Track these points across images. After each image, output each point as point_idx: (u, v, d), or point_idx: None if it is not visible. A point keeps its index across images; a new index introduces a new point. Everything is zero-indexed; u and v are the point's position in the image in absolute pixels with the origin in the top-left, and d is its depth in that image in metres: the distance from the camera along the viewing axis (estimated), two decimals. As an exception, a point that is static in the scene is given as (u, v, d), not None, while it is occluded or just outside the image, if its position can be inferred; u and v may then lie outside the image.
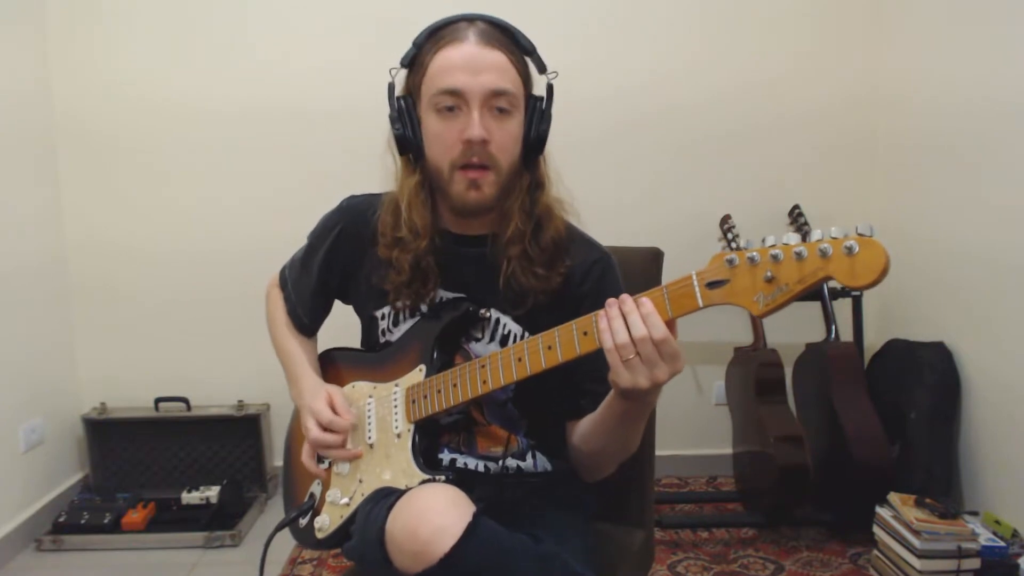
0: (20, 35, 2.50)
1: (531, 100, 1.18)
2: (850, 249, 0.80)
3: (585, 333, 1.01)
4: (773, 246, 0.86)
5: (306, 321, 1.36)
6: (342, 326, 1.42)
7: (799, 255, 0.83)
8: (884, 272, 0.79)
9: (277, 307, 1.40)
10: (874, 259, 0.79)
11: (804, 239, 0.85)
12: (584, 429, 1.20)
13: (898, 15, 2.63)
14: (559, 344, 1.03)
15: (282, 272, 1.41)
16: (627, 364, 0.97)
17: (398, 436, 1.18)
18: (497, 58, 1.12)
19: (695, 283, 0.92)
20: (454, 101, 1.11)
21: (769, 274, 0.85)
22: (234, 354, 2.71)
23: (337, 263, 1.30)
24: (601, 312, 0.99)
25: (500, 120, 1.13)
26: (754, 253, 0.87)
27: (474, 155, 1.12)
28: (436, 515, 0.96)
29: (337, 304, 1.38)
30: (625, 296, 0.98)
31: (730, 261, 0.89)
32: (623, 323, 0.96)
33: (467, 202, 1.15)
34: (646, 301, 0.96)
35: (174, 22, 2.62)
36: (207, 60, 2.63)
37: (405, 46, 1.18)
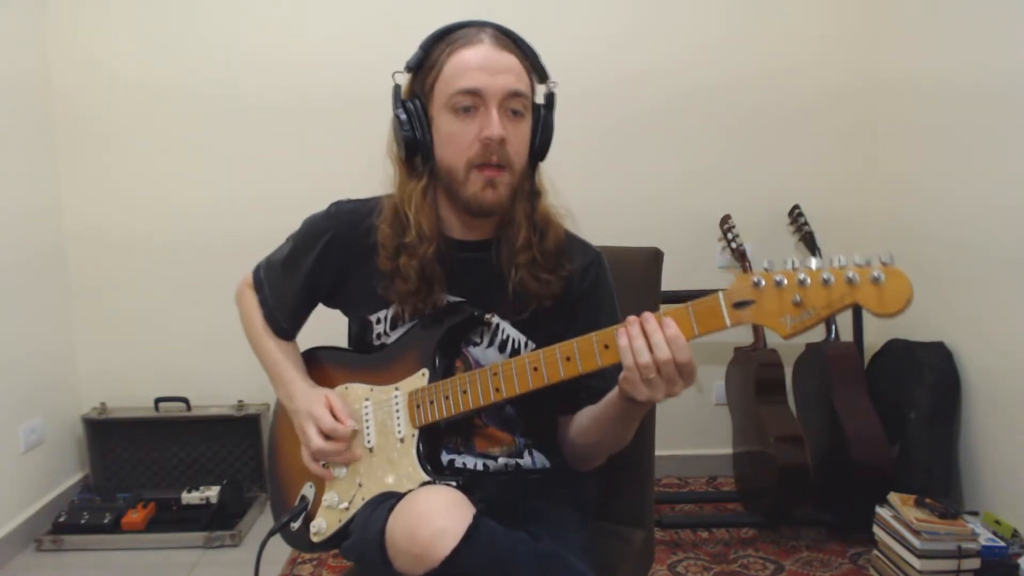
0: (19, 24, 2.48)
1: (536, 107, 1.19)
2: (876, 279, 0.84)
3: (606, 346, 1.02)
4: (796, 270, 0.89)
5: (285, 325, 1.33)
6: (322, 326, 1.40)
7: (826, 282, 0.87)
8: (909, 302, 0.83)
9: (253, 309, 1.36)
10: (900, 289, 0.83)
11: (815, 254, 0.88)
12: (583, 425, 1.21)
13: (899, 10, 2.62)
14: (578, 356, 1.05)
15: (256, 273, 1.38)
16: (647, 381, 0.98)
17: (401, 440, 1.17)
18: (512, 60, 1.14)
19: (722, 303, 0.94)
20: (472, 101, 1.12)
21: (798, 298, 0.89)
22: (234, 354, 2.68)
23: (328, 270, 1.28)
24: (621, 329, 1.00)
25: (515, 122, 1.14)
26: (780, 276, 0.90)
27: (493, 154, 1.12)
28: (436, 517, 0.97)
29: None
30: (648, 315, 0.99)
31: (756, 283, 0.91)
32: (644, 343, 0.97)
33: (483, 202, 1.15)
34: (671, 322, 0.97)
35: (175, 13, 2.60)
36: (210, 52, 2.62)
37: (409, 39, 1.19)
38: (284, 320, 1.33)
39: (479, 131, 1.11)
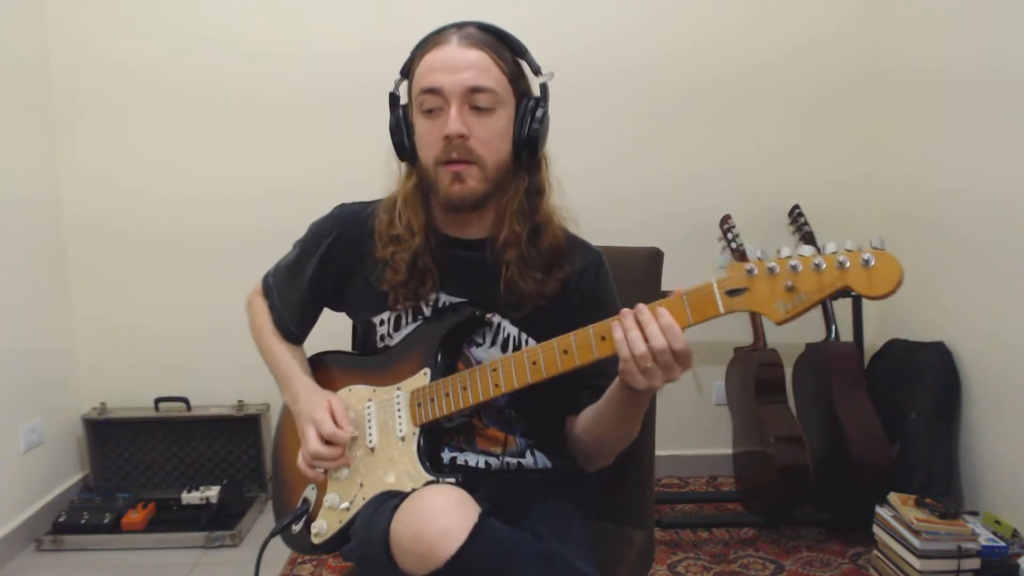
0: (18, 13, 2.48)
1: (522, 99, 1.19)
2: (867, 262, 0.86)
3: (603, 338, 1.03)
4: (790, 257, 0.91)
5: (293, 329, 1.35)
6: (328, 332, 1.41)
7: (818, 266, 0.88)
8: (899, 284, 0.85)
9: (262, 316, 1.37)
10: (890, 271, 0.85)
11: (818, 249, 0.90)
12: (587, 420, 1.21)
13: (899, 8, 2.62)
14: (575, 348, 1.05)
15: (265, 280, 1.39)
16: (644, 371, 0.99)
17: (402, 439, 1.17)
18: (477, 57, 1.14)
19: (716, 290, 0.95)
20: (435, 101, 1.14)
21: (789, 283, 0.90)
22: (234, 354, 2.69)
23: (331, 271, 1.30)
24: (616, 321, 1.01)
25: (481, 117, 1.15)
26: (773, 263, 0.91)
27: (454, 151, 1.14)
28: (441, 517, 0.96)
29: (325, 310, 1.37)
30: (641, 306, 1.00)
31: (749, 271, 0.93)
32: (639, 333, 0.99)
33: (452, 196, 1.17)
34: (664, 312, 0.98)
35: (177, 3, 2.59)
36: (212, 43, 2.61)
37: (414, 33, 1.20)
38: (292, 324, 1.35)
39: (441, 129, 1.13)
